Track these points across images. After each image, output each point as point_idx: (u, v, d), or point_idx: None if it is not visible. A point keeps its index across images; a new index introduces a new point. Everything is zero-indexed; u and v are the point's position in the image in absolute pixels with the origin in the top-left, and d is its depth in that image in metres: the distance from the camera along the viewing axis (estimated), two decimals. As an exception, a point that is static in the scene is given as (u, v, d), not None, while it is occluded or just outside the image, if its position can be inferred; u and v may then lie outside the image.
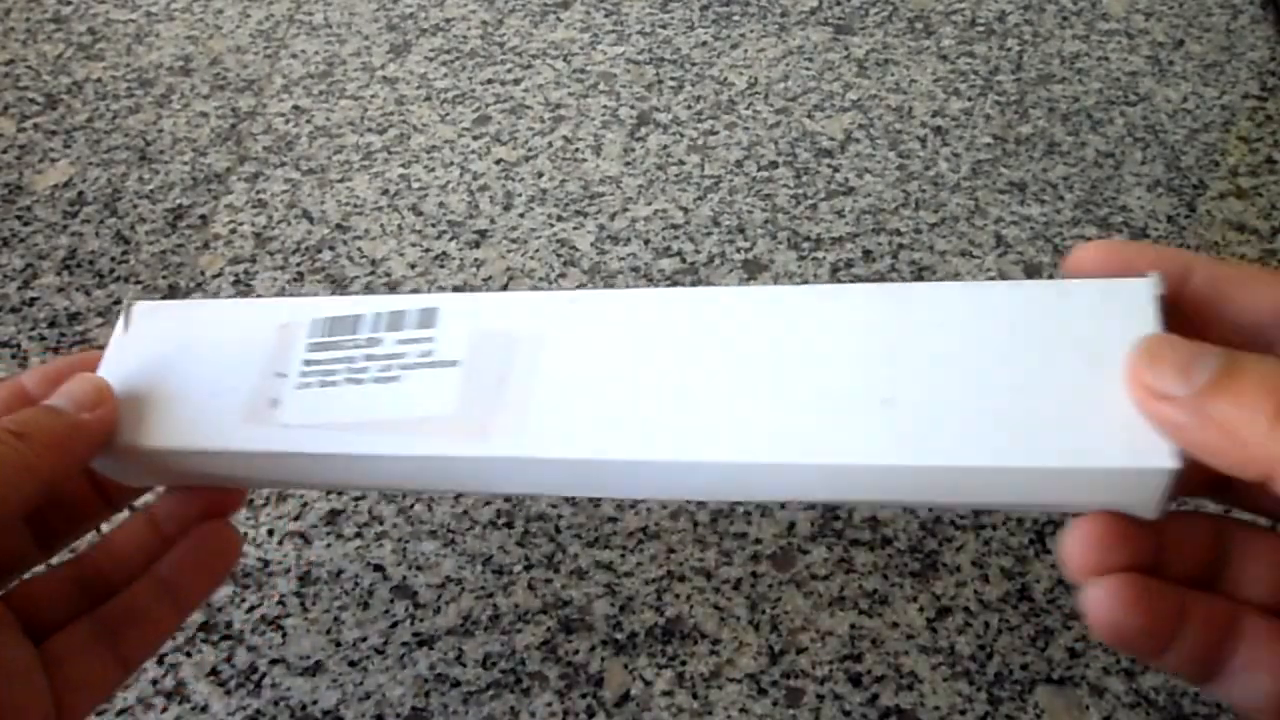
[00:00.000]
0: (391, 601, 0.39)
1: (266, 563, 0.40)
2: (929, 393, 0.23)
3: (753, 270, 0.49)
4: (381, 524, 0.41)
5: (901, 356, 0.24)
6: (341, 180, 0.53)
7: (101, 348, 0.29)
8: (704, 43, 0.61)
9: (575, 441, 0.24)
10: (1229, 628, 0.23)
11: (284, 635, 0.38)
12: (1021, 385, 0.23)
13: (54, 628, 0.28)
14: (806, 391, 0.24)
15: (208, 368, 0.28)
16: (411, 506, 0.41)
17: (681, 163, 0.54)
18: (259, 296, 0.48)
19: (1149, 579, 0.23)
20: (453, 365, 0.26)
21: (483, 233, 0.51)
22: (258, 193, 0.53)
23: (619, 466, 0.24)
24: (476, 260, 0.50)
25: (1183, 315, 0.23)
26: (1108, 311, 0.23)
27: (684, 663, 0.37)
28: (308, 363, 0.27)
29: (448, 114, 0.57)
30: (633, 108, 0.57)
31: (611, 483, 0.25)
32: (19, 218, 0.52)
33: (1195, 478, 0.25)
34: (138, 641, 0.29)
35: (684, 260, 0.49)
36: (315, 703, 0.36)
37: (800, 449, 0.23)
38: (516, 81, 0.59)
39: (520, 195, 0.52)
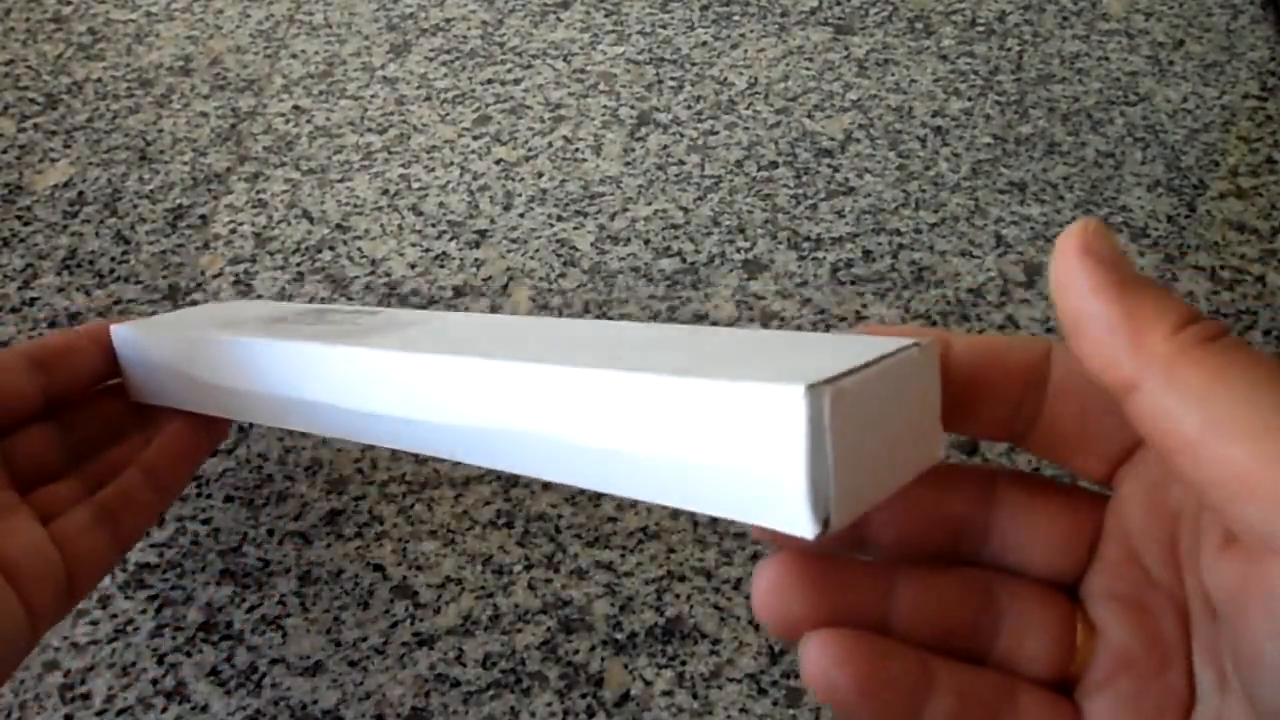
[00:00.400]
0: (391, 601, 0.39)
1: (266, 563, 0.40)
2: (645, 349, 0.24)
3: (753, 270, 0.49)
4: (381, 524, 0.41)
5: (653, 340, 0.25)
6: (341, 180, 0.53)
7: None
8: (704, 43, 0.61)
9: (382, 343, 0.29)
10: (999, 704, 0.22)
11: (284, 635, 0.38)
12: (729, 359, 0.22)
13: (57, 512, 0.33)
14: (554, 344, 0.26)
15: (225, 317, 0.38)
16: (412, 506, 0.41)
17: (681, 163, 0.54)
18: (259, 297, 0.48)
19: (872, 637, 0.21)
20: (353, 327, 0.33)
21: (483, 233, 0.51)
22: (258, 193, 0.53)
23: (408, 368, 0.28)
24: (477, 260, 0.50)
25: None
26: (861, 347, 0.21)
27: (684, 663, 0.37)
28: (281, 319, 0.36)
29: (448, 114, 0.57)
30: (633, 108, 0.57)
31: (405, 391, 0.28)
32: (19, 218, 0.52)
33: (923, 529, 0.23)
34: (130, 524, 0.34)
35: (684, 260, 0.49)
36: (315, 703, 0.36)
37: (505, 353, 0.25)
38: (516, 81, 0.59)
39: (520, 195, 0.52)
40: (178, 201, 0.53)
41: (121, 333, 0.37)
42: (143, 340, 0.37)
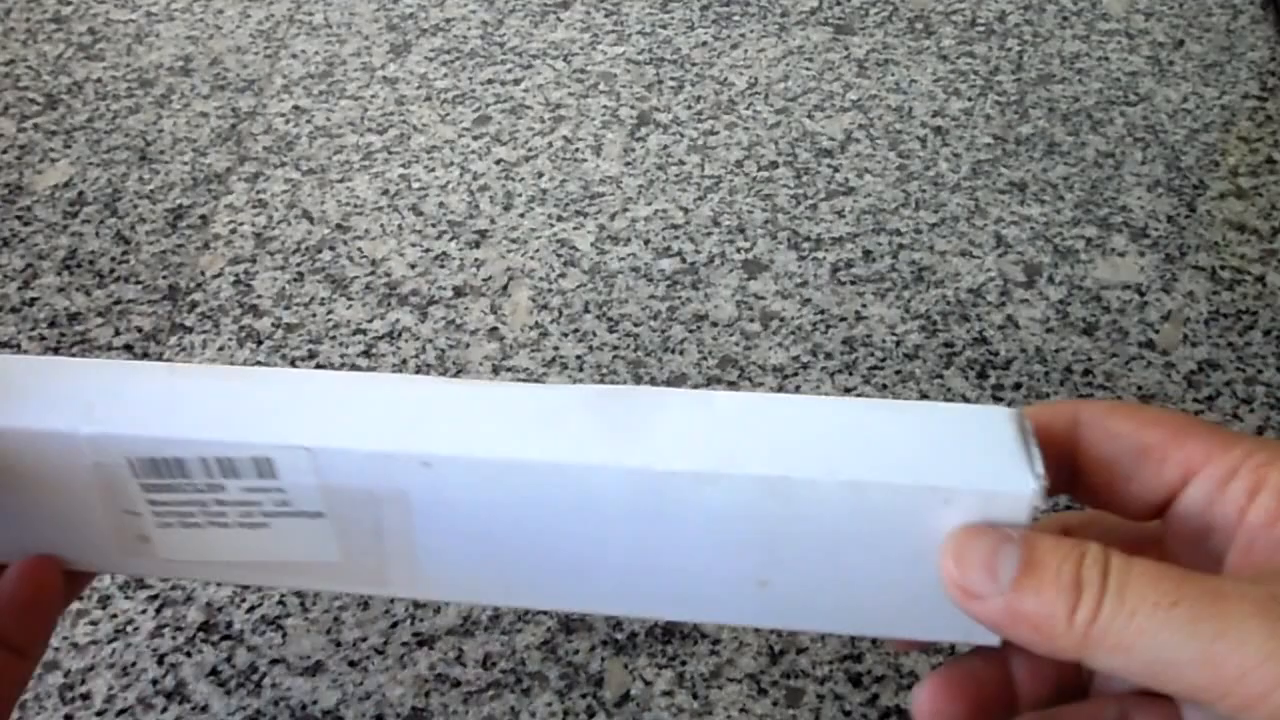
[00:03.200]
0: (391, 601, 0.39)
1: (266, 563, 0.40)
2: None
3: (753, 270, 0.49)
4: (381, 524, 0.41)
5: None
6: (341, 180, 0.53)
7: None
8: (704, 43, 0.61)
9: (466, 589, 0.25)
10: None
11: (284, 635, 0.38)
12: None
13: None
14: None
15: (46, 498, 0.25)
16: (411, 506, 0.41)
17: (681, 163, 0.54)
18: (259, 297, 0.48)
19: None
20: (318, 516, 0.24)
21: (483, 233, 0.51)
22: (258, 193, 0.53)
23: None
24: (476, 260, 0.50)
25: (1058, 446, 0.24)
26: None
27: (684, 663, 0.37)
28: (153, 503, 0.25)
29: (448, 114, 0.57)
30: (633, 108, 0.57)
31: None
32: (19, 218, 0.52)
33: None
34: None
35: (684, 260, 0.49)
36: (315, 703, 0.36)
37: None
38: (516, 81, 0.59)
39: (520, 195, 0.52)
40: (178, 201, 0.53)
41: None
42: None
